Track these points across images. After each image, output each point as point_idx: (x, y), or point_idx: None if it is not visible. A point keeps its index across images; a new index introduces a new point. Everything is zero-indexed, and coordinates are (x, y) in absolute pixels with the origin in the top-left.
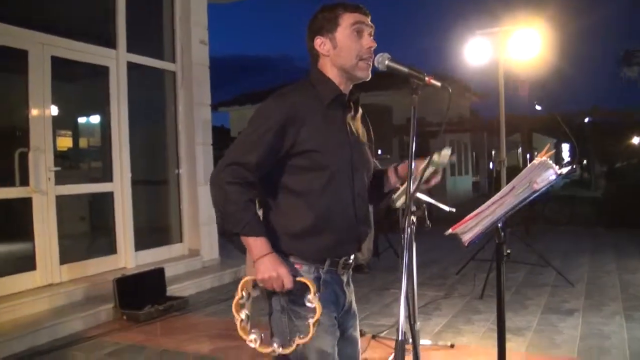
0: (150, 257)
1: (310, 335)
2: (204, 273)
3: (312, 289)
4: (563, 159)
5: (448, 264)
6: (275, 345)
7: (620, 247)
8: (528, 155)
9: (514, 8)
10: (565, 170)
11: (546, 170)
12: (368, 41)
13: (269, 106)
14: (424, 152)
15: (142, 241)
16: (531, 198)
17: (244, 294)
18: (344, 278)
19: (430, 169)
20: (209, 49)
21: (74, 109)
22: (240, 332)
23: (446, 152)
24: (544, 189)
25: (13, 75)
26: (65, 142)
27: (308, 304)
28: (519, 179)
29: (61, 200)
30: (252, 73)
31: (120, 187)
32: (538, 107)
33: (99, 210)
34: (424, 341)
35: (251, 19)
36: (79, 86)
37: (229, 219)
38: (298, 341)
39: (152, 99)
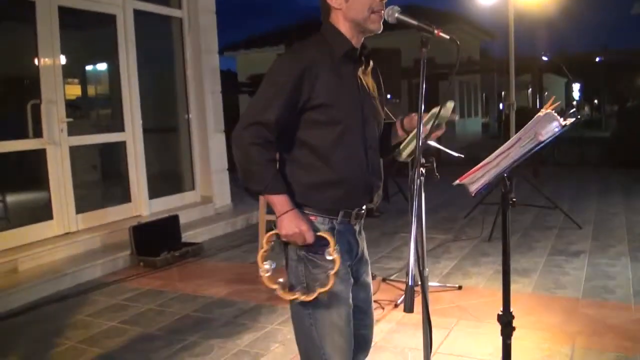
0: (164, 205)
1: (330, 285)
2: (217, 219)
3: (332, 242)
4: (574, 99)
5: (456, 207)
6: (298, 292)
7: (628, 188)
8: (538, 96)
9: None
10: (570, 121)
11: (551, 122)
12: None
13: (284, 62)
14: (433, 94)
15: (156, 189)
16: (536, 149)
17: (267, 246)
18: (357, 227)
19: (435, 123)
20: None
21: (84, 58)
22: (266, 282)
23: (450, 104)
24: (548, 140)
25: (22, 27)
26: (76, 92)
27: (328, 257)
28: (524, 130)
29: (75, 150)
30: (256, 15)
31: (132, 136)
32: (545, 58)
33: (112, 159)
34: (432, 283)
35: None
36: (88, 35)
37: (252, 178)
38: (319, 290)
39: (160, 46)
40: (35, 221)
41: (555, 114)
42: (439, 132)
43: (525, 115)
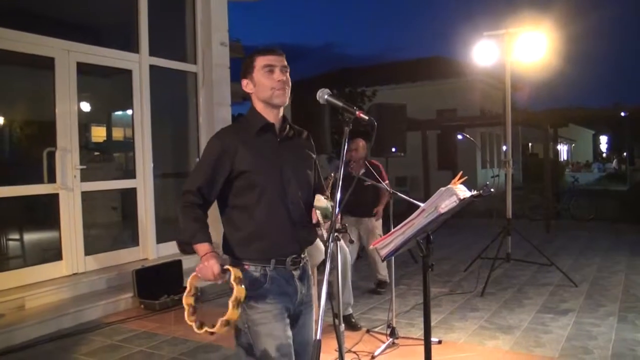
0: (171, 249)
1: (229, 312)
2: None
3: (233, 274)
4: (601, 151)
5: (458, 261)
6: (205, 327)
7: (636, 245)
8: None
9: (521, 10)
10: (468, 194)
11: (450, 196)
12: (278, 76)
13: (210, 143)
14: (452, 145)
15: (164, 233)
16: (440, 220)
17: (192, 288)
18: (296, 273)
19: (320, 214)
20: (245, 38)
21: (100, 109)
22: (187, 318)
23: (319, 198)
24: (449, 213)
25: (42, 81)
26: (91, 141)
27: (231, 284)
28: (428, 203)
29: (87, 194)
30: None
31: (143, 182)
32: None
33: (124, 203)
34: (413, 336)
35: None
36: (104, 88)
37: (183, 231)
38: (209, 328)
39: (174, 97)
40: (45, 261)
41: (455, 189)
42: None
43: (539, 166)
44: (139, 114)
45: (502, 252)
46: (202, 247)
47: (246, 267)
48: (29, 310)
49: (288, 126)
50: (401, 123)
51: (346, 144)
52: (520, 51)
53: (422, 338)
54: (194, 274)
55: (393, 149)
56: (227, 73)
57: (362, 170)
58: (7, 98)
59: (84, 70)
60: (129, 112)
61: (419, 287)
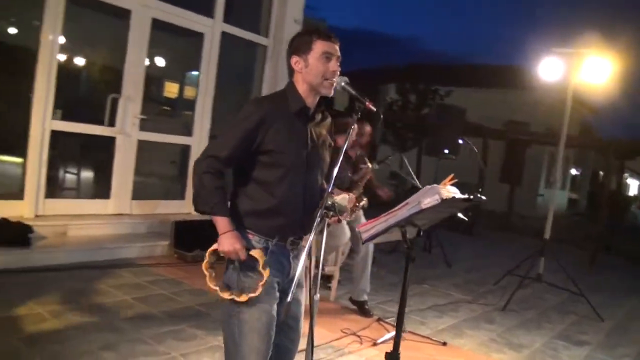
0: None
1: (258, 291)
2: None
3: (261, 261)
4: None
5: (490, 274)
6: (234, 293)
7: None
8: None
9: (594, 30)
10: (455, 195)
11: (433, 194)
12: (334, 66)
13: (247, 109)
14: (519, 159)
15: None
16: (419, 214)
17: (210, 257)
18: (293, 252)
19: (337, 210)
20: (331, 17)
21: (169, 66)
22: (209, 283)
23: (345, 196)
24: (430, 206)
25: (117, 31)
26: (157, 94)
27: (258, 271)
28: (413, 197)
29: (151, 144)
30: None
31: (198, 142)
32: None
33: (182, 158)
34: (421, 332)
35: None
36: (176, 47)
37: (201, 200)
38: (250, 294)
39: (241, 66)
40: (94, 197)
41: (440, 188)
42: (343, 218)
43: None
44: (205, 77)
45: (534, 272)
46: (222, 222)
47: (250, 236)
48: (71, 238)
49: (320, 112)
50: (458, 126)
51: (353, 129)
52: (587, 72)
53: (430, 337)
54: (213, 247)
55: (445, 151)
56: None
57: (359, 152)
58: (85, 41)
59: (158, 26)
60: (195, 73)
61: (442, 290)
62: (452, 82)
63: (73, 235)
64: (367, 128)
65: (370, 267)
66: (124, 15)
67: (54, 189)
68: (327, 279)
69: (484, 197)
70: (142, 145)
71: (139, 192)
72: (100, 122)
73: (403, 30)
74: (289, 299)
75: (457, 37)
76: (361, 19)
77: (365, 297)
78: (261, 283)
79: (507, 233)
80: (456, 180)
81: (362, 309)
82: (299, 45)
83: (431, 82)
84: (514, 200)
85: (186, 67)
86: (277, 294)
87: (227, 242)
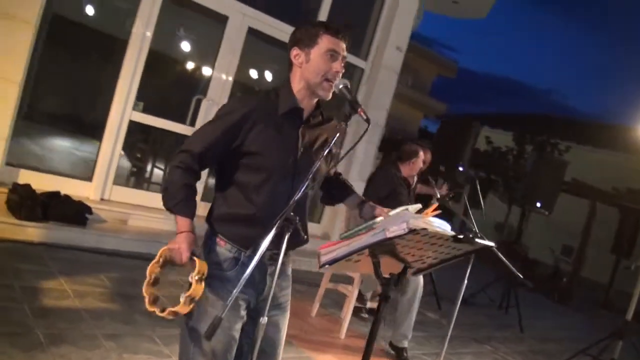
0: None
1: (180, 307)
2: (314, 256)
3: (197, 268)
4: None
5: (563, 347)
6: (155, 307)
7: None
8: None
9: None
10: (432, 229)
11: (401, 222)
12: (338, 66)
13: (230, 105)
14: (633, 231)
15: None
16: (384, 242)
17: (161, 259)
18: (270, 269)
19: None
20: (464, 59)
21: (258, 75)
22: (145, 287)
23: (415, 207)
24: (395, 235)
25: (210, 34)
26: None
27: (189, 279)
28: (380, 223)
29: None
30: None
31: None
32: None
33: None
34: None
35: (523, 43)
36: (268, 57)
37: (168, 196)
38: (171, 308)
39: None
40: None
41: (413, 219)
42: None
43: None
44: None
45: (607, 355)
46: (182, 222)
47: (222, 243)
48: (129, 227)
49: (319, 114)
50: (557, 181)
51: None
52: None
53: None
54: (164, 247)
55: (538, 204)
56: (393, 79)
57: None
58: (178, 39)
59: (255, 35)
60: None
61: (502, 354)
62: (576, 138)
63: (132, 224)
64: (429, 155)
65: (417, 309)
66: (220, 20)
67: (123, 177)
68: (371, 312)
69: (491, 243)
70: None
71: (206, 196)
72: (181, 120)
73: (542, 82)
74: (263, 320)
75: (595, 95)
76: (496, 64)
77: (406, 344)
78: (185, 294)
79: (603, 308)
80: (439, 211)
81: (399, 357)
82: (302, 37)
83: (555, 135)
84: (617, 274)
85: (278, 79)
86: (243, 313)
87: (177, 240)
